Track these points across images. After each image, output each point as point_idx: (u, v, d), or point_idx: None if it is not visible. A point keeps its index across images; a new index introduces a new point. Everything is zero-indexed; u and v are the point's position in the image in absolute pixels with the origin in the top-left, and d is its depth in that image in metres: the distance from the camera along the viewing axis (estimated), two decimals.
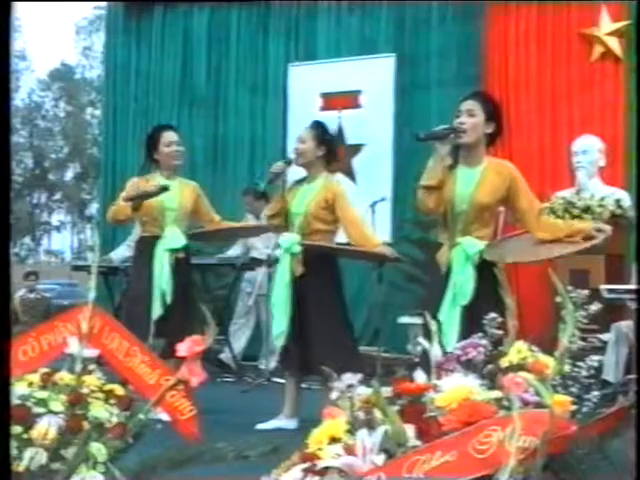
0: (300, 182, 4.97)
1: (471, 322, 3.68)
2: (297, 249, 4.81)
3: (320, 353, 4.63)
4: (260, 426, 4.78)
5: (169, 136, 5.33)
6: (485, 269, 3.87)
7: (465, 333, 3.63)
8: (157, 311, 5.05)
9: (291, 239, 4.84)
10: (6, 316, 2.11)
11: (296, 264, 4.82)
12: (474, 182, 3.96)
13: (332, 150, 4.99)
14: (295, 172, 5.06)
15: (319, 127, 4.99)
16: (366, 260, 5.47)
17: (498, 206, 4.14)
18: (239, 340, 7.68)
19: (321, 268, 4.86)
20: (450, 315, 3.86)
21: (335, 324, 4.87)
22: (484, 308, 3.69)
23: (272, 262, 7.02)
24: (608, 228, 3.97)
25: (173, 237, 5.21)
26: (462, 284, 3.88)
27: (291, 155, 5.04)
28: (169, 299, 5.08)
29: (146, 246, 5.23)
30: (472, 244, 3.94)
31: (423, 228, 7.05)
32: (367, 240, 4.83)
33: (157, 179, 5.21)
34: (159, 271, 5.13)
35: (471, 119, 3.92)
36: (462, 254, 3.93)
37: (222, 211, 7.18)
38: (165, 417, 2.27)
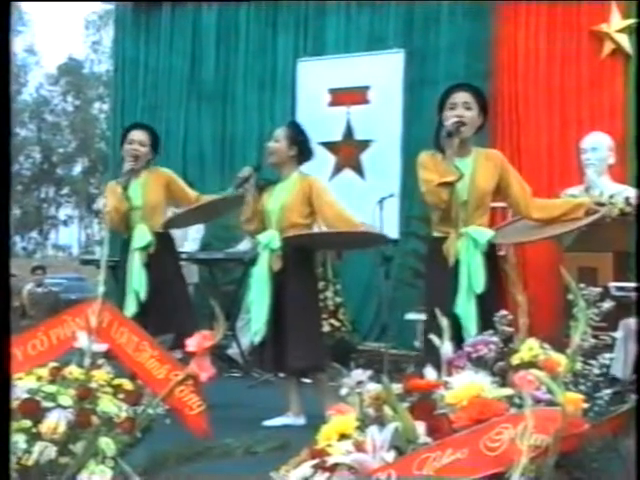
0: (271, 182, 4.98)
1: (484, 317, 3.73)
2: (276, 245, 4.81)
3: (298, 350, 4.69)
4: (267, 423, 4.77)
5: (132, 135, 5.32)
6: (493, 264, 3.93)
7: (481, 327, 3.68)
8: (131, 309, 5.03)
9: (270, 235, 4.84)
10: (6, 315, 2.11)
11: (275, 260, 4.81)
12: (469, 171, 4.01)
13: (304, 151, 4.99)
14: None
15: (293, 127, 5.06)
16: (350, 244, 5.44)
17: (493, 193, 4.14)
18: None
19: (300, 263, 4.88)
20: (467, 306, 3.90)
21: (313, 320, 4.95)
22: (495, 302, 3.79)
23: None
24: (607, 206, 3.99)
25: (140, 235, 5.22)
26: (474, 272, 3.92)
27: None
28: (143, 296, 5.08)
29: (124, 248, 5.27)
30: (480, 232, 4.00)
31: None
32: (346, 221, 4.79)
33: (125, 177, 5.22)
34: (131, 271, 5.16)
35: (469, 112, 4.00)
36: (471, 243, 3.97)
37: None
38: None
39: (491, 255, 3.98)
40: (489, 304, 3.79)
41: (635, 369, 4.61)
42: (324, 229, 5.11)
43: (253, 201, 4.90)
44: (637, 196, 5.94)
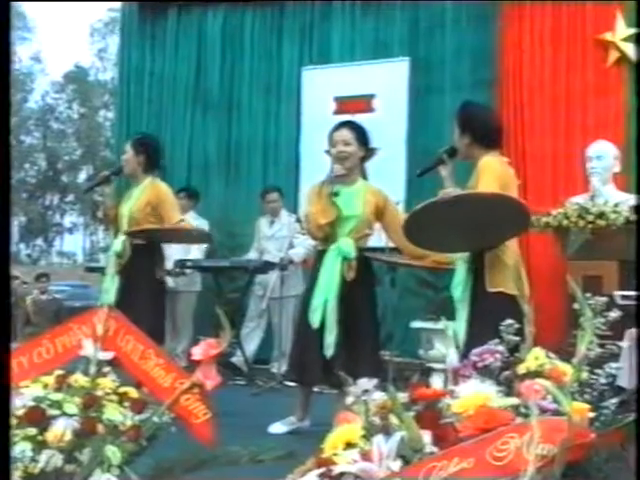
0: (331, 184, 4.69)
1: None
2: (353, 254, 4.66)
3: (370, 362, 4.54)
4: (273, 430, 4.75)
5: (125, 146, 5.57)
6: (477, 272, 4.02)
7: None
8: None
9: (347, 242, 4.67)
10: (6, 326, 2.11)
11: (348, 269, 4.65)
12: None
13: (368, 152, 4.89)
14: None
15: (359, 127, 4.89)
16: None
17: None
18: (251, 343, 7.68)
19: (367, 273, 4.79)
20: (459, 316, 4.00)
21: (377, 332, 4.87)
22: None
23: (285, 265, 7.03)
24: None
25: (115, 242, 5.34)
26: (457, 284, 4.06)
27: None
28: (111, 301, 5.07)
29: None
30: None
31: None
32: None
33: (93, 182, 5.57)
34: (106, 276, 5.25)
35: (455, 136, 4.24)
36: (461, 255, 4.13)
37: (235, 212, 7.19)
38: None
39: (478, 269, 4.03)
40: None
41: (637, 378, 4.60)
42: None
43: (335, 205, 4.65)
44: (637, 204, 5.93)
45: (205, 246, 7.76)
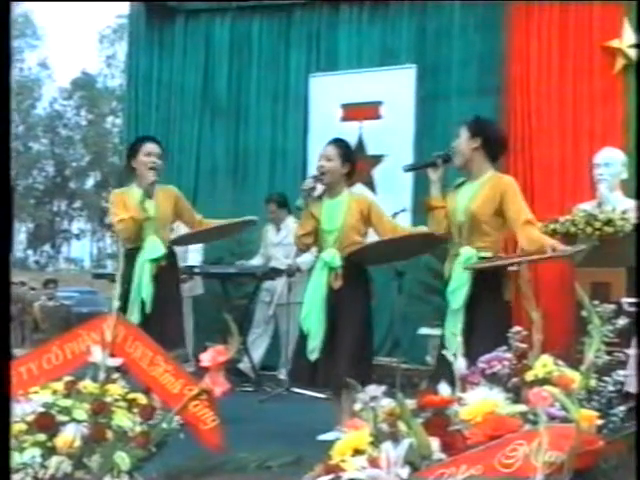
0: (318, 198, 4.93)
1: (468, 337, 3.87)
2: (338, 263, 4.78)
3: (350, 367, 4.58)
4: (322, 437, 4.74)
5: (150, 147, 5.29)
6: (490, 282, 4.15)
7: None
8: (134, 319, 4.89)
9: (331, 253, 4.80)
10: (6, 338, 2.12)
11: (334, 278, 4.78)
12: (471, 195, 4.31)
13: (354, 167, 5.03)
14: None
15: (344, 145, 5.04)
16: (412, 249, 5.35)
17: (494, 217, 4.29)
18: (258, 349, 7.69)
19: (357, 281, 4.86)
20: (453, 323, 4.11)
21: (365, 338, 4.88)
22: (483, 316, 4.00)
23: (292, 272, 7.04)
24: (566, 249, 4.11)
25: (153, 247, 5.19)
26: (455, 289, 4.20)
27: (314, 171, 5.03)
28: (148, 308, 5.01)
29: (131, 259, 5.13)
30: (468, 252, 4.25)
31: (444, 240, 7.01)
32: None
33: (134, 190, 5.22)
34: (139, 281, 5.07)
35: (456, 140, 4.37)
36: (461, 262, 4.23)
37: None
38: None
39: (489, 278, 4.15)
40: (475, 323, 4.06)
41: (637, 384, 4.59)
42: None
43: (312, 216, 4.86)
44: (637, 208, 5.92)
45: (201, 248, 7.75)
